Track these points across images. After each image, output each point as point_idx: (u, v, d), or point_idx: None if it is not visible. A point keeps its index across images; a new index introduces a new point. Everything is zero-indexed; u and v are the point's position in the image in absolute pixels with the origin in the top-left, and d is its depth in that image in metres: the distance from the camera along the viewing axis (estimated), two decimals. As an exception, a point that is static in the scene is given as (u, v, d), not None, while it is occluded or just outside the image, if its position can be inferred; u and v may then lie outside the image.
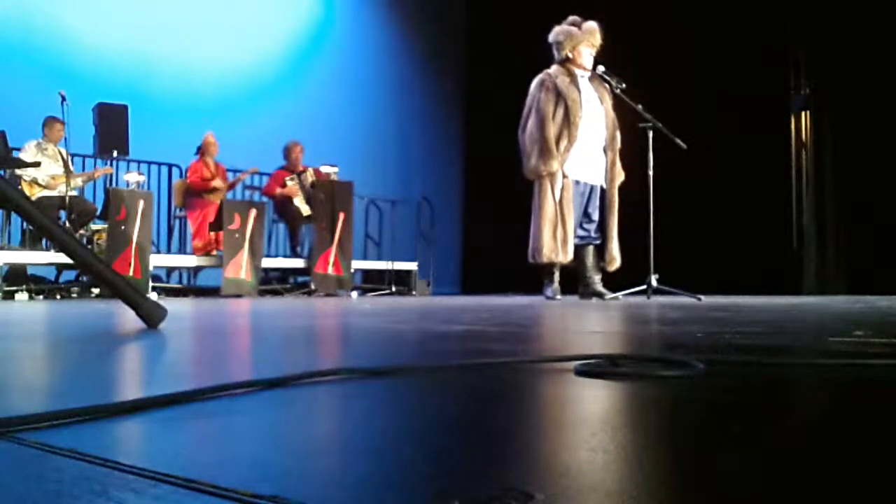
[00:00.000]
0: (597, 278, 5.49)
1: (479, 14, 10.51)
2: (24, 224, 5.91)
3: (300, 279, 7.90)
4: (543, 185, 5.33)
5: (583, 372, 1.06)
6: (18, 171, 6.30)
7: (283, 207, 7.93)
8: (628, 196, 5.57)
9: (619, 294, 5.37)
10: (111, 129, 7.19)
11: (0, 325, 2.60)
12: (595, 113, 5.48)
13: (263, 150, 7.84)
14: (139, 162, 7.64)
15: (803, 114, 7.52)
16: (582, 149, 5.38)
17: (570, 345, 1.81)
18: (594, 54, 5.50)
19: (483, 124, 9.78)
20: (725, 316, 2.90)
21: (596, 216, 5.53)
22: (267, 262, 7.46)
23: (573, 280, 5.58)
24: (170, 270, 7.82)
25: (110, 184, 7.17)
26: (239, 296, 6.76)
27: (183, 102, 8.34)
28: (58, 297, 6.12)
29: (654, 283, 5.27)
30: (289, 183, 7.80)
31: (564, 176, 5.35)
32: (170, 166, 7.99)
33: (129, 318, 2.19)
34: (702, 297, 5.09)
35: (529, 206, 5.47)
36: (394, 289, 8.08)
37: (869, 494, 0.49)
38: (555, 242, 5.29)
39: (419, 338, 1.96)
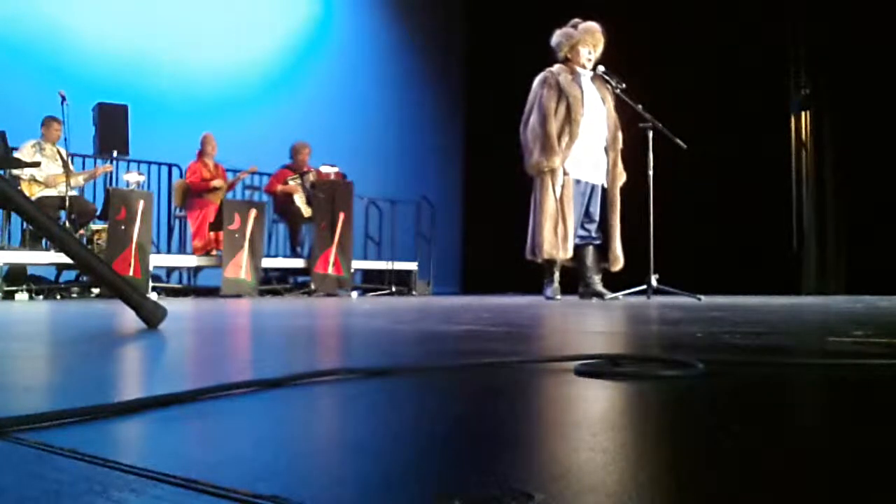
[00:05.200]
0: (597, 278, 5.49)
1: (479, 14, 10.50)
2: (24, 224, 5.90)
3: (300, 279, 7.90)
4: (544, 182, 5.33)
5: (583, 372, 1.06)
6: (16, 171, 6.30)
7: (284, 207, 7.93)
8: (628, 196, 5.58)
9: (619, 294, 5.37)
10: (111, 129, 7.19)
11: (0, 325, 2.60)
12: (597, 112, 5.48)
13: (263, 150, 7.84)
14: (139, 162, 7.64)
15: (803, 114, 7.51)
16: (583, 147, 5.38)
17: (570, 345, 1.81)
18: (594, 54, 5.51)
19: (483, 124, 9.78)
20: (725, 316, 2.90)
21: (597, 216, 5.53)
22: (267, 262, 7.46)
23: (573, 280, 5.58)
24: (170, 270, 7.82)
25: (110, 184, 7.17)
26: (239, 296, 6.76)
27: (183, 102, 8.34)
28: (58, 297, 6.12)
29: (654, 283, 5.27)
30: (290, 182, 7.81)
31: (565, 173, 5.35)
32: (170, 166, 7.99)
33: (129, 318, 2.19)
34: (702, 297, 5.09)
35: (529, 205, 5.47)
36: (394, 289, 8.08)
37: (869, 494, 0.49)
38: (555, 238, 5.29)
39: (419, 338, 1.96)
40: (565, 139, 5.32)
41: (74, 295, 6.22)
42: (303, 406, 0.86)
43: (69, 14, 7.88)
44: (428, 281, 8.67)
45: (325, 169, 7.74)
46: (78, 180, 6.76)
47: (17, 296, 5.85)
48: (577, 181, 5.42)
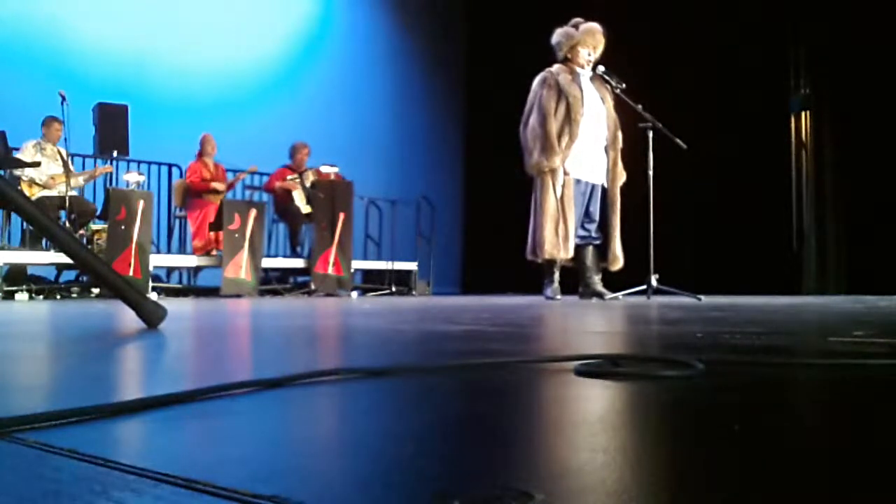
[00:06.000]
0: (597, 278, 5.49)
1: (479, 14, 10.50)
2: (24, 224, 5.90)
3: (300, 279, 7.90)
4: (545, 182, 5.32)
5: (583, 372, 1.05)
6: (17, 172, 6.30)
7: (283, 207, 7.93)
8: (628, 196, 5.57)
9: (619, 294, 5.37)
10: (111, 129, 7.19)
11: (0, 325, 2.60)
12: (596, 112, 5.48)
13: (263, 150, 7.84)
14: (139, 162, 7.64)
15: (803, 114, 7.51)
16: (583, 147, 5.38)
17: (570, 345, 1.81)
18: (594, 55, 5.50)
19: (483, 124, 9.78)
20: (725, 316, 2.90)
21: (597, 216, 5.53)
22: (267, 262, 7.46)
23: (573, 280, 5.58)
24: (170, 270, 7.82)
25: (110, 184, 7.18)
26: (239, 296, 6.76)
27: (183, 102, 8.34)
28: (58, 297, 6.12)
29: (654, 283, 5.27)
30: (289, 179, 7.82)
31: (566, 173, 5.34)
32: (170, 166, 7.99)
33: (129, 318, 2.18)
34: (702, 297, 5.09)
35: (529, 205, 5.47)
36: (394, 289, 8.08)
37: (869, 494, 0.49)
38: (556, 238, 5.28)
39: (419, 338, 1.96)
40: (565, 139, 5.31)
41: (74, 295, 6.22)
42: (303, 406, 0.86)
43: (69, 14, 7.88)
44: (428, 281, 8.66)
45: (324, 169, 7.75)
46: (78, 181, 6.76)
47: (17, 296, 5.85)
48: (578, 181, 5.42)
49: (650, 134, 5.50)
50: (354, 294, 7.58)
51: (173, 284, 7.57)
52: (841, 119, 7.23)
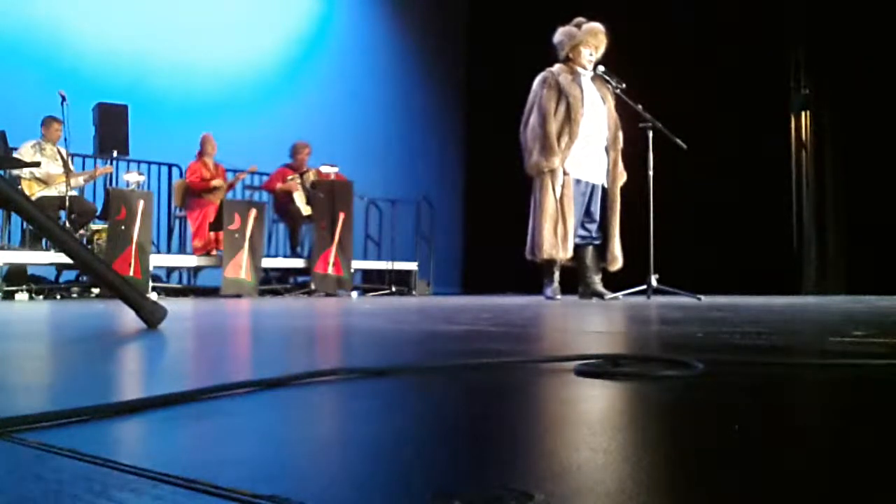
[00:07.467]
0: (597, 278, 5.49)
1: (479, 14, 10.50)
2: (24, 224, 5.91)
3: (300, 279, 7.90)
4: (544, 182, 5.32)
5: (583, 372, 1.06)
6: (17, 171, 6.30)
7: (283, 207, 7.93)
8: (628, 196, 5.57)
9: (619, 294, 5.37)
10: (111, 129, 7.19)
11: (0, 325, 2.60)
12: (597, 112, 5.48)
13: (263, 150, 7.84)
14: (139, 162, 7.64)
15: (803, 114, 7.51)
16: (583, 147, 5.38)
17: (570, 345, 1.81)
18: (595, 55, 5.50)
19: (483, 124, 9.77)
20: (725, 316, 2.89)
21: (597, 216, 5.53)
22: (267, 262, 7.46)
23: (573, 280, 5.58)
24: (170, 270, 7.82)
25: (110, 184, 7.17)
26: (239, 296, 6.76)
27: (183, 102, 8.34)
28: (58, 297, 6.12)
29: (654, 283, 5.27)
30: (289, 179, 7.82)
31: (565, 173, 5.34)
32: (170, 166, 7.99)
33: (129, 318, 2.18)
34: (702, 297, 5.09)
35: (529, 205, 5.46)
36: (394, 289, 8.07)
37: (869, 494, 0.49)
38: (555, 239, 5.28)
39: (419, 338, 1.96)
40: (565, 139, 5.31)
41: (74, 295, 6.22)
42: (302, 406, 0.86)
43: (69, 14, 7.88)
44: (428, 281, 8.66)
45: (325, 169, 7.75)
46: (78, 181, 6.76)
47: (17, 296, 5.85)
48: (578, 181, 5.42)
49: (650, 134, 5.50)
50: (354, 294, 7.58)
51: (173, 284, 7.57)
52: (841, 119, 7.23)
